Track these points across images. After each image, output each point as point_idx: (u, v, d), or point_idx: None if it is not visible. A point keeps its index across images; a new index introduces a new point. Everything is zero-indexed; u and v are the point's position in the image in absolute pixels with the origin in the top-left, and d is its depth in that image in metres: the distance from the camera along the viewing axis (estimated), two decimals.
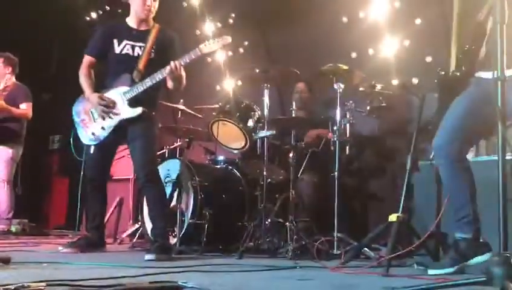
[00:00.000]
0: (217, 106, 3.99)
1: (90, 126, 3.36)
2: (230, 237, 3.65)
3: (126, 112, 3.25)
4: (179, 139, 4.42)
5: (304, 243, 3.20)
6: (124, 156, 4.00)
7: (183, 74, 3.21)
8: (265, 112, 3.62)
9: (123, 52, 3.31)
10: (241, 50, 5.53)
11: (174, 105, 4.25)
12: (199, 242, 3.50)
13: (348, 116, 3.68)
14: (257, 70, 3.80)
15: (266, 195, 3.47)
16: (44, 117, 5.77)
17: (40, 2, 6.50)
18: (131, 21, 3.41)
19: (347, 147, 3.75)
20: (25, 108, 5.04)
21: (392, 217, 2.74)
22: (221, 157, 4.24)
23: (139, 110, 3.23)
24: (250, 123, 3.79)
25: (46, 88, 7.25)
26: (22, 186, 5.58)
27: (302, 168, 3.88)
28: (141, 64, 3.26)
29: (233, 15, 5.59)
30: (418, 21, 4.24)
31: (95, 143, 3.35)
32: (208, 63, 5.66)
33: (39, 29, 6.72)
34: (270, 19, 5.10)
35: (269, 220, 3.43)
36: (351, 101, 3.71)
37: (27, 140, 5.19)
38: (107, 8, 6.77)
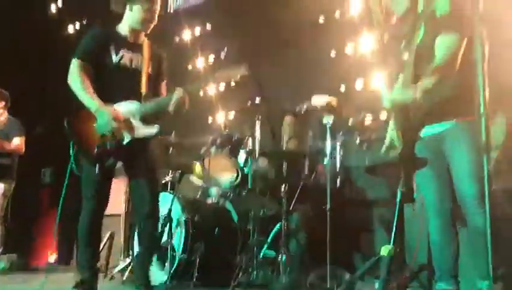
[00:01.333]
0: (208, 138, 4.01)
1: (92, 142, 2.86)
2: (222, 272, 3.61)
3: (140, 130, 2.92)
4: (170, 172, 4.41)
5: (296, 276, 3.17)
6: None
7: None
8: (257, 144, 3.65)
9: (121, 62, 2.96)
10: (233, 83, 5.59)
11: (166, 137, 4.27)
12: (190, 278, 3.45)
13: (338, 148, 3.72)
14: (248, 104, 3.85)
15: (258, 228, 3.46)
16: (36, 150, 5.75)
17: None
18: (123, 30, 3.05)
19: (338, 179, 3.77)
20: (18, 142, 5.04)
21: (384, 250, 2.73)
22: (212, 191, 4.23)
23: (155, 129, 2.94)
24: (242, 156, 3.82)
25: (38, 121, 7.25)
26: (11, 221, 5.51)
27: (294, 200, 3.88)
28: (143, 79, 2.99)
29: (225, 49, 5.68)
30: (405, 56, 4.33)
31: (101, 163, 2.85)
32: (199, 96, 5.72)
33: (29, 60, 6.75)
34: (261, 53, 5.19)
35: (261, 254, 3.40)
36: (340, 134, 3.75)
37: (18, 173, 5.16)
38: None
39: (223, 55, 5.65)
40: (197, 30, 5.83)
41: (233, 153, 3.79)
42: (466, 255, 2.55)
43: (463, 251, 2.55)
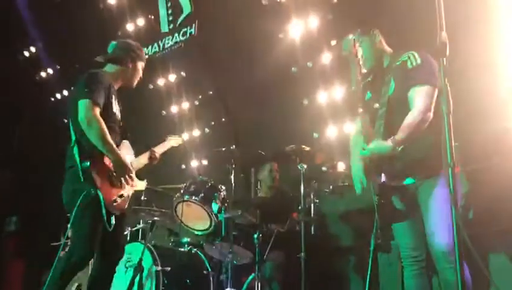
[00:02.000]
0: (181, 186, 3.97)
1: (111, 192, 2.74)
2: None
3: (138, 183, 2.96)
4: (141, 221, 4.31)
5: None
6: None
7: None
8: (231, 192, 3.63)
9: (115, 112, 2.92)
10: (207, 130, 5.63)
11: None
12: None
13: (312, 196, 3.73)
14: (223, 150, 3.86)
15: (232, 278, 3.38)
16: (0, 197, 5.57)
17: None
18: (112, 79, 2.97)
19: (312, 227, 3.76)
20: None
21: None
22: (185, 239, 4.14)
23: (144, 183, 3.01)
24: (216, 204, 3.78)
25: (5, 166, 7.06)
26: None
27: (268, 248, 3.84)
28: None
29: (200, 96, 5.74)
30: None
31: (117, 213, 2.76)
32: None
33: None
34: (237, 101, 5.26)
35: None
36: (314, 181, 3.77)
37: None
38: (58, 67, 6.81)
39: (198, 101, 5.74)
40: (172, 77, 5.88)
41: (207, 201, 3.74)
42: None
43: None
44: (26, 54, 7.00)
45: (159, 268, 3.56)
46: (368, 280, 2.80)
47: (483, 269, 1.78)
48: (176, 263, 3.77)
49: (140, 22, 6.15)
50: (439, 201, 2.38)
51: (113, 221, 2.67)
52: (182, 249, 4.03)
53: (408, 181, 2.51)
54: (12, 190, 6.30)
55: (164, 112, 5.87)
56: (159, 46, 6.07)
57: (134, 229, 4.42)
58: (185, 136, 5.64)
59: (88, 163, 2.61)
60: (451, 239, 1.62)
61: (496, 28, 3.39)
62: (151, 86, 5.99)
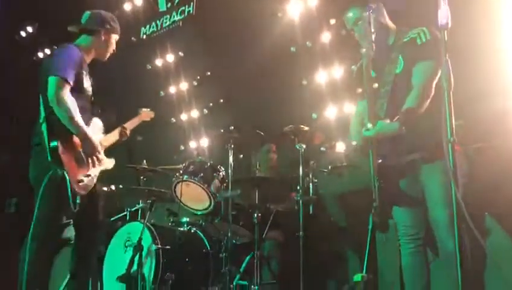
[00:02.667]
0: (180, 166, 3.97)
1: (77, 172, 2.72)
2: None
3: (106, 162, 2.98)
4: (140, 201, 4.32)
5: None
6: None
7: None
8: (230, 172, 3.63)
9: (86, 87, 2.87)
10: (205, 111, 5.60)
11: (137, 166, 4.20)
12: None
13: (310, 175, 3.73)
14: (221, 131, 3.85)
15: (231, 257, 3.41)
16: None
17: None
18: (84, 52, 2.94)
19: (311, 206, 3.76)
20: None
21: (357, 277, 2.72)
22: (184, 219, 4.16)
23: (112, 161, 3.03)
24: (215, 183, 3.79)
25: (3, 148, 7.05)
26: None
27: (267, 228, 3.86)
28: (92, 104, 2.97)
29: (198, 77, 5.70)
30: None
31: (83, 193, 2.73)
32: (172, 123, 5.69)
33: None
34: (232, 81, 5.23)
35: (234, 283, 3.34)
36: (312, 161, 3.77)
37: None
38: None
39: (196, 82, 5.70)
40: (170, 57, 5.83)
41: (206, 181, 3.75)
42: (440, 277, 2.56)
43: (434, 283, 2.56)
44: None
45: (159, 247, 3.58)
46: (365, 258, 2.82)
47: (480, 239, 1.79)
48: (175, 242, 3.79)
49: (138, 0, 6.07)
50: (444, 177, 2.38)
51: (78, 200, 2.63)
52: (181, 229, 4.05)
53: (410, 158, 2.50)
54: (10, 171, 6.29)
55: (162, 93, 5.84)
56: (156, 25, 6.00)
57: (133, 209, 4.44)
58: (184, 116, 5.63)
59: (56, 142, 2.59)
60: (450, 212, 1.62)
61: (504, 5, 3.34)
62: (149, 66, 5.95)
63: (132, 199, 4.60)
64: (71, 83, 2.68)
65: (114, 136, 3.17)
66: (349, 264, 4.11)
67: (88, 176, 2.76)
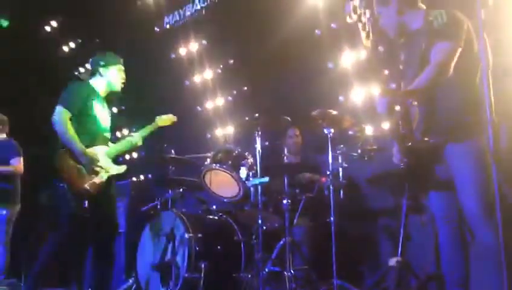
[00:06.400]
0: (208, 155, 3.98)
1: (79, 181, 3.29)
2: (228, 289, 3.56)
3: (114, 169, 3.46)
4: (170, 191, 4.36)
5: None
6: None
7: None
8: (258, 159, 3.62)
9: (95, 114, 3.46)
10: (230, 98, 5.59)
11: (166, 155, 4.23)
12: None
13: (340, 160, 3.69)
14: (247, 118, 3.83)
15: (262, 243, 3.41)
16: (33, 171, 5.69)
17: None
18: (98, 87, 3.58)
19: (341, 191, 3.73)
20: (15, 163, 5.00)
21: (392, 261, 2.71)
22: (214, 207, 4.18)
23: (122, 167, 3.51)
24: (243, 171, 3.79)
25: (33, 141, 7.19)
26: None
27: (297, 214, 3.85)
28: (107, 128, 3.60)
29: (221, 66, 5.69)
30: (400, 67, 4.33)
31: (87, 198, 3.31)
32: (198, 113, 5.71)
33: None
34: (258, 67, 5.19)
35: (266, 269, 3.35)
36: (341, 145, 3.72)
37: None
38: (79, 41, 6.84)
39: (220, 70, 5.69)
40: (194, 46, 5.83)
41: (235, 168, 3.75)
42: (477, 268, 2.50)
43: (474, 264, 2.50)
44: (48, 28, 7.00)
45: (191, 235, 3.62)
46: (400, 243, 2.79)
47: None
48: (207, 230, 3.82)
49: None
50: (472, 162, 2.32)
51: (85, 205, 3.26)
52: (212, 217, 4.08)
53: (438, 139, 2.45)
54: (44, 165, 6.42)
55: (187, 82, 5.85)
56: (179, 14, 5.99)
57: (164, 199, 4.49)
58: (209, 104, 5.64)
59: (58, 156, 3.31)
60: (483, 201, 1.57)
61: None
62: (173, 56, 5.96)
63: (162, 189, 4.65)
64: (73, 111, 3.33)
65: (121, 145, 3.60)
66: (382, 248, 4.08)
67: (93, 183, 3.30)
